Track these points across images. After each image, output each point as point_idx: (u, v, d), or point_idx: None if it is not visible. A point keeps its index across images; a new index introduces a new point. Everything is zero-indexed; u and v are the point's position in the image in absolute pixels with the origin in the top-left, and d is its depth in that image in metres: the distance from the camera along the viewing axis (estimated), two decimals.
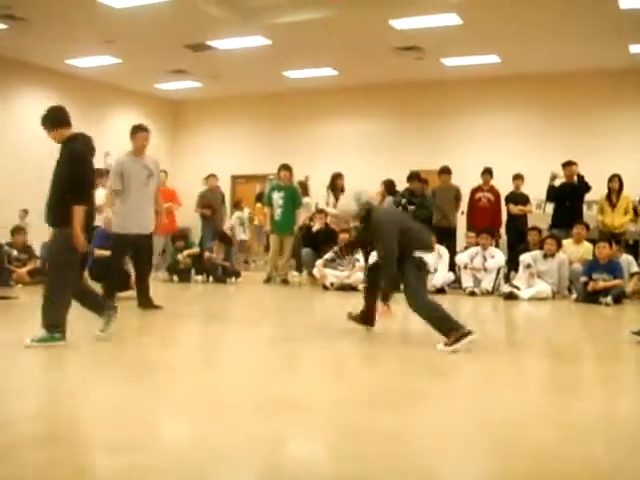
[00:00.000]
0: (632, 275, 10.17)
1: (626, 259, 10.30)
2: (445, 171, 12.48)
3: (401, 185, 12.62)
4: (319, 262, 11.24)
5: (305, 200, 13.14)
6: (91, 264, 9.49)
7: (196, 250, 12.34)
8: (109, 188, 8.32)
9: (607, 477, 2.90)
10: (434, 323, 5.84)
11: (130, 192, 8.03)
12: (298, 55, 15.26)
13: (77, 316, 7.46)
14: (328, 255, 11.23)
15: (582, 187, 11.59)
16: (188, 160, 20.16)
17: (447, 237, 11.67)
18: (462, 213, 13.09)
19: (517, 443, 3.27)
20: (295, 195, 12.29)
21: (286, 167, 12.32)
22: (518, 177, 12.68)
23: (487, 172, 12.70)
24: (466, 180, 13.25)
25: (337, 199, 12.31)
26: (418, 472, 2.91)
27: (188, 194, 15.33)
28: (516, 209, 12.37)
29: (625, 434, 3.49)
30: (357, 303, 9.72)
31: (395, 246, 5.93)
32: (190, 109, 20.51)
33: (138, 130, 8.20)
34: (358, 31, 13.38)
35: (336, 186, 12.61)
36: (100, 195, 12.39)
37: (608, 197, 11.55)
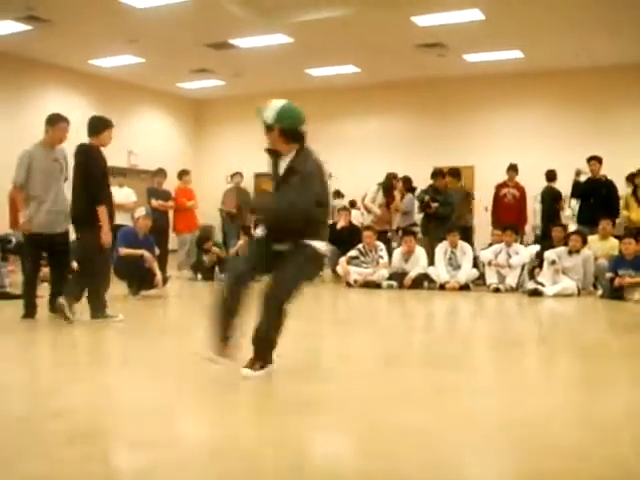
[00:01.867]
0: None
1: None
2: (452, 173, 12.20)
3: (424, 182, 12.53)
4: (342, 259, 11.25)
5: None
6: (116, 262, 9.54)
7: (222, 253, 12.29)
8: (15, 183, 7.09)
9: (637, 474, 2.88)
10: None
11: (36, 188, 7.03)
12: (320, 53, 15.27)
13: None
14: (352, 252, 11.23)
15: (609, 187, 11.49)
16: (211, 158, 20.23)
17: (464, 236, 11.54)
18: (486, 210, 13.03)
19: (544, 440, 3.25)
20: None
21: None
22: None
23: (512, 168, 12.62)
24: (489, 177, 13.21)
25: (389, 201, 12.22)
26: (446, 467, 2.91)
27: (211, 192, 15.41)
28: None
29: None
30: (380, 300, 9.76)
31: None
32: (213, 108, 20.57)
33: (59, 120, 7.18)
34: (380, 28, 13.35)
35: (392, 187, 12.33)
36: (127, 193, 12.57)
37: (634, 193, 11.46)
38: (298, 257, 4.56)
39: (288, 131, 4.61)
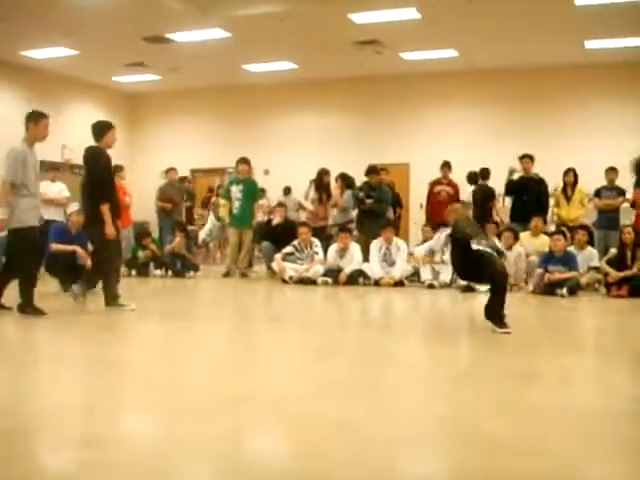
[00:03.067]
0: (589, 269, 10.31)
1: (590, 252, 10.46)
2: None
3: (359, 179, 12.61)
4: (278, 256, 11.26)
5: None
6: (48, 259, 9.37)
7: (158, 250, 12.20)
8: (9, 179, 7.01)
9: (564, 467, 2.95)
10: None
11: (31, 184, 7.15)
12: (258, 48, 15.24)
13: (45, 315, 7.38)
14: (287, 249, 11.25)
15: (540, 185, 11.70)
16: (146, 154, 20.02)
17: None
18: (421, 206, 13.18)
19: (474, 434, 3.31)
20: (254, 189, 12.26)
21: (244, 161, 12.30)
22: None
23: (446, 165, 12.81)
24: (424, 174, 13.34)
25: (321, 196, 12.28)
26: (377, 463, 2.94)
27: (146, 188, 15.27)
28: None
29: (578, 425, 3.55)
30: (315, 296, 9.79)
31: None
32: (148, 102, 20.35)
33: (41, 117, 7.23)
34: (317, 25, 13.40)
35: (322, 183, 12.40)
36: (60, 188, 12.38)
37: (564, 190, 11.72)
38: None
39: None
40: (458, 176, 13.01)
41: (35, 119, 7.18)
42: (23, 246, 7.12)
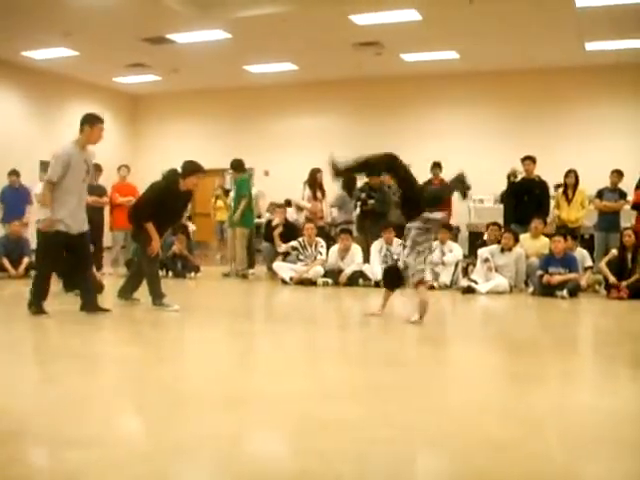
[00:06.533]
0: (586, 269, 10.33)
1: (580, 253, 10.46)
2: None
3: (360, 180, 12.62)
4: (278, 258, 11.30)
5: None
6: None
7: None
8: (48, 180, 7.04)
9: (562, 468, 2.95)
10: None
11: (73, 187, 7.09)
12: (258, 49, 15.25)
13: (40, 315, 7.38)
14: (293, 242, 11.25)
15: (542, 187, 11.68)
16: (147, 154, 20.01)
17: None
18: None
19: (474, 434, 3.31)
20: (240, 185, 12.15)
21: (233, 162, 12.31)
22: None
23: (436, 166, 13.05)
24: (425, 174, 13.32)
25: (315, 194, 12.29)
26: (377, 463, 2.94)
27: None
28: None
29: (578, 427, 3.55)
30: (315, 297, 9.79)
31: None
32: (149, 103, 20.35)
33: (97, 121, 7.33)
34: (318, 26, 13.41)
35: (315, 181, 12.43)
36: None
37: (564, 192, 11.70)
38: None
39: None
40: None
41: (91, 123, 7.23)
42: (44, 249, 7.21)
